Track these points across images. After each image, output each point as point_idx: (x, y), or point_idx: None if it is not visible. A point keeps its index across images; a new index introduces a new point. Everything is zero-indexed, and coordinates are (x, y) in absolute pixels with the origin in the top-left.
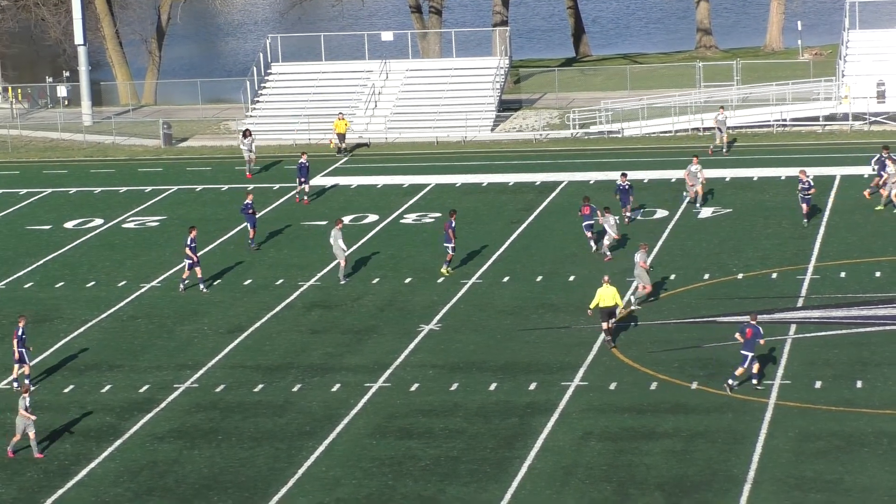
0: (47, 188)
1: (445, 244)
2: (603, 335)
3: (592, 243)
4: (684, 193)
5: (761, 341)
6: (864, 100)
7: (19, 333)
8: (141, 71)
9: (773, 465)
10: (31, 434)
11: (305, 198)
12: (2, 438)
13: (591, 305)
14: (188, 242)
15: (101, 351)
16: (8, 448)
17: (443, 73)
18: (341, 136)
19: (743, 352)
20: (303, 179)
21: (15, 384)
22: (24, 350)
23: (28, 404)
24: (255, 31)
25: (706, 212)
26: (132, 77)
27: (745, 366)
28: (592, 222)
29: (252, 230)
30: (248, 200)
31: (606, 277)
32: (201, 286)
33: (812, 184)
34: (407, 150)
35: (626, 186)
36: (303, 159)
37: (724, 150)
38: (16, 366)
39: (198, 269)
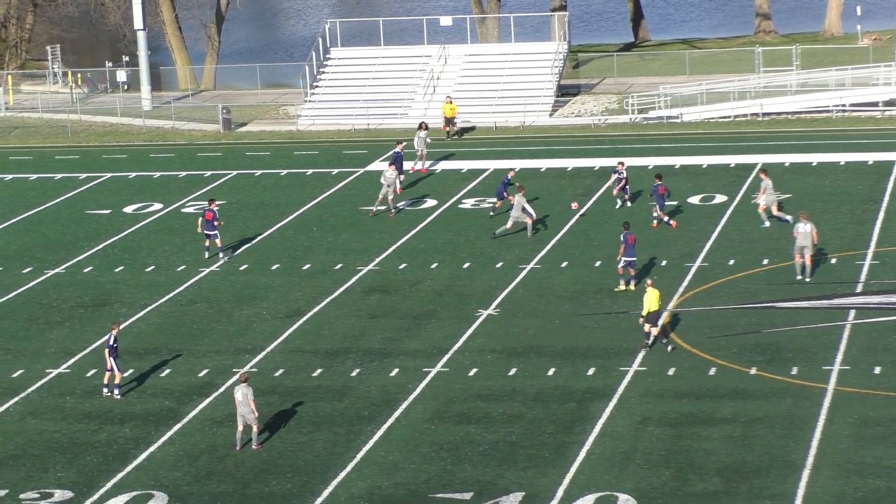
0: (107, 173)
1: (630, 258)
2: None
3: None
4: None
5: None
6: None
7: (111, 342)
8: (200, 55)
9: (833, 451)
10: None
11: (399, 187)
12: (61, 421)
13: (644, 312)
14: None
15: (160, 335)
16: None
17: (501, 58)
18: (449, 120)
19: None
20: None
21: (105, 391)
22: (115, 359)
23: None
24: (315, 15)
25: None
26: (191, 62)
27: None
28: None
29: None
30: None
31: (650, 281)
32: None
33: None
34: (466, 135)
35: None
36: (398, 148)
37: None
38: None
39: (217, 241)
